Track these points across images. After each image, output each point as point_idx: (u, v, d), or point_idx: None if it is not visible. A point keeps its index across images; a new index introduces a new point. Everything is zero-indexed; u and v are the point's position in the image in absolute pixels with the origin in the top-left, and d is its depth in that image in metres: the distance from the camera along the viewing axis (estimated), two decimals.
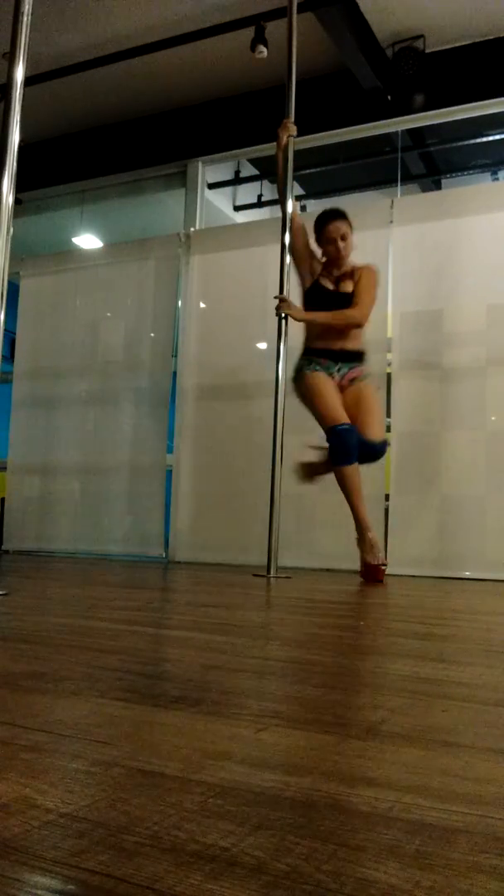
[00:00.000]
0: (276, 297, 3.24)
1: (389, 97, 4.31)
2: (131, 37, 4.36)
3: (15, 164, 1.96)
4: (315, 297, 3.26)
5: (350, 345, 3.21)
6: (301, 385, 3.19)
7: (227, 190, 5.69)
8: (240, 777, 0.52)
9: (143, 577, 2.81)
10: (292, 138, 3.35)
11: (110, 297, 4.79)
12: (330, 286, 3.25)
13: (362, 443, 3.02)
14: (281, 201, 3.38)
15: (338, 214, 3.23)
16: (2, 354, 5.27)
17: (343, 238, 3.20)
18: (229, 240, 4.46)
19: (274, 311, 3.26)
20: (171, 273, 4.52)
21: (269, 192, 5.84)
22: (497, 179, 5.31)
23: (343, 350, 3.19)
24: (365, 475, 3.70)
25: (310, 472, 3.27)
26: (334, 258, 3.23)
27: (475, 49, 4.20)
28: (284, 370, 3.21)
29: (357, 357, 3.23)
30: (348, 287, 3.22)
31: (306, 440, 3.74)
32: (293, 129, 3.35)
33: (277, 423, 3.15)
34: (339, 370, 3.19)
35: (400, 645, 1.28)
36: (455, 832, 0.44)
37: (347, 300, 3.19)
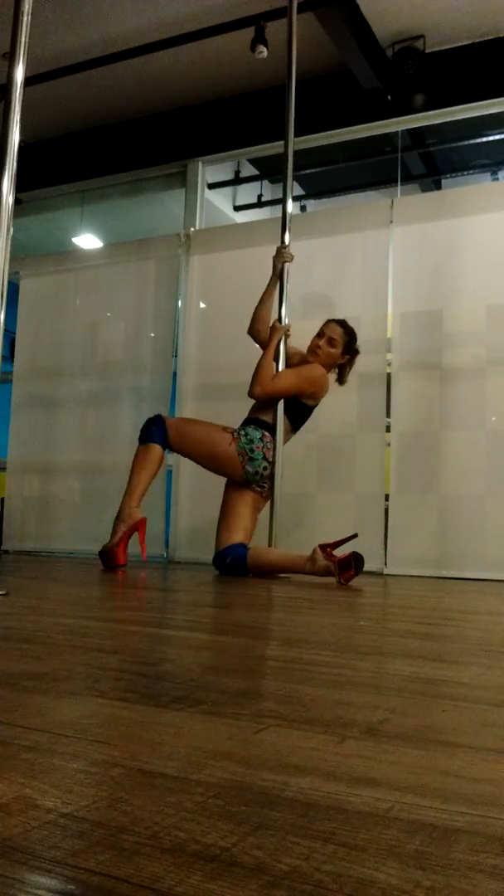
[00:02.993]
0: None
1: (389, 97, 4.31)
2: (131, 37, 4.36)
3: (15, 164, 1.96)
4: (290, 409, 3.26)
5: (252, 413, 3.25)
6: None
7: (227, 190, 5.70)
8: (240, 777, 0.52)
9: (143, 577, 2.81)
10: (287, 263, 3.34)
11: (110, 297, 4.79)
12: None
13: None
14: (279, 314, 3.35)
15: (344, 324, 3.29)
16: (2, 354, 5.27)
17: (330, 343, 3.22)
18: (229, 240, 4.46)
19: (272, 310, 3.27)
20: (171, 273, 4.52)
21: (270, 192, 5.85)
22: (497, 179, 5.31)
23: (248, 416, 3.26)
24: (365, 474, 3.70)
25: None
26: (311, 350, 3.25)
27: (475, 49, 4.20)
28: (284, 367, 3.20)
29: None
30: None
31: (308, 440, 3.74)
32: (289, 257, 3.33)
33: (278, 423, 3.15)
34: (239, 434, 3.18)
35: (400, 645, 1.28)
36: (455, 832, 0.44)
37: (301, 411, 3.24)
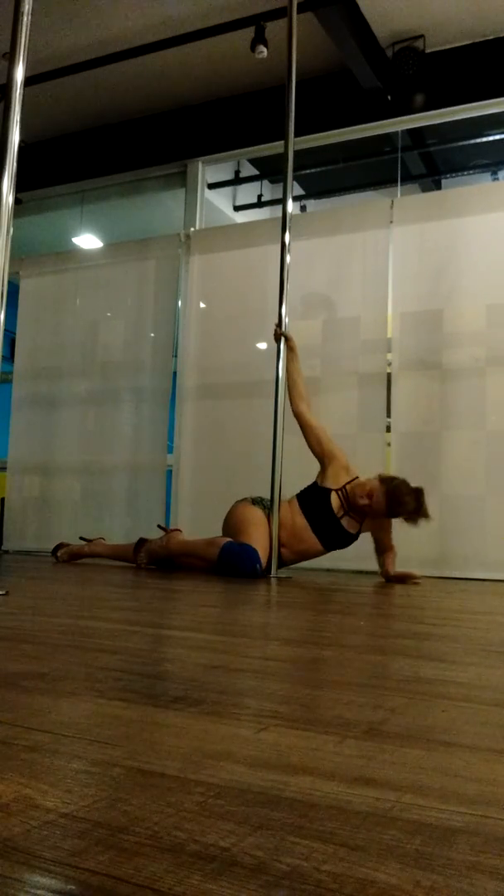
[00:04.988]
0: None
1: (389, 97, 4.31)
2: (131, 37, 4.36)
3: (15, 164, 1.96)
4: (313, 503, 3.12)
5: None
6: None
7: (227, 190, 5.70)
8: (240, 777, 0.52)
9: (143, 576, 2.81)
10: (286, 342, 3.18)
11: (110, 297, 4.79)
12: (337, 511, 3.08)
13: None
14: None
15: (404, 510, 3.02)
16: (2, 354, 5.28)
17: (369, 496, 2.99)
18: (229, 240, 4.46)
19: (272, 310, 3.26)
20: (171, 273, 4.52)
21: (270, 192, 5.84)
22: (497, 179, 5.31)
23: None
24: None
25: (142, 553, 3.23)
26: (358, 506, 3.04)
27: (475, 49, 4.20)
28: (284, 370, 3.21)
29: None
30: (352, 527, 3.11)
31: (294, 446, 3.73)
32: (281, 336, 3.15)
33: (277, 423, 3.15)
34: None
35: (400, 645, 1.28)
36: (455, 832, 0.44)
37: (342, 538, 3.12)
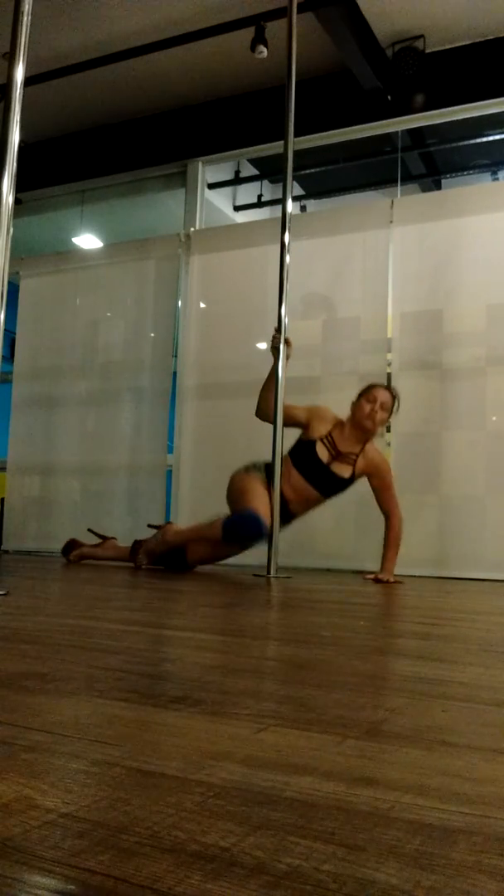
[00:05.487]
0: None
1: (389, 97, 4.31)
2: (131, 37, 4.36)
3: (15, 164, 1.96)
4: (302, 456, 3.19)
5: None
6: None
7: (227, 190, 5.69)
8: (240, 777, 0.52)
9: (143, 576, 2.81)
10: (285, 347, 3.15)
11: (110, 297, 4.79)
12: (324, 458, 3.15)
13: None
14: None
15: (391, 391, 3.23)
16: (2, 354, 5.27)
17: (383, 407, 3.12)
18: (229, 240, 4.46)
19: (272, 310, 3.25)
20: (171, 273, 4.52)
21: (270, 192, 5.84)
22: (497, 179, 5.31)
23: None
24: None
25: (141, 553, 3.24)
26: (359, 420, 3.12)
27: (475, 49, 4.20)
28: (284, 370, 3.20)
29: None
30: (343, 471, 3.15)
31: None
32: (280, 343, 3.10)
33: (277, 422, 3.15)
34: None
35: (400, 645, 1.28)
36: (455, 832, 0.44)
37: (335, 483, 3.16)
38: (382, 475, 3.17)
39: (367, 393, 3.19)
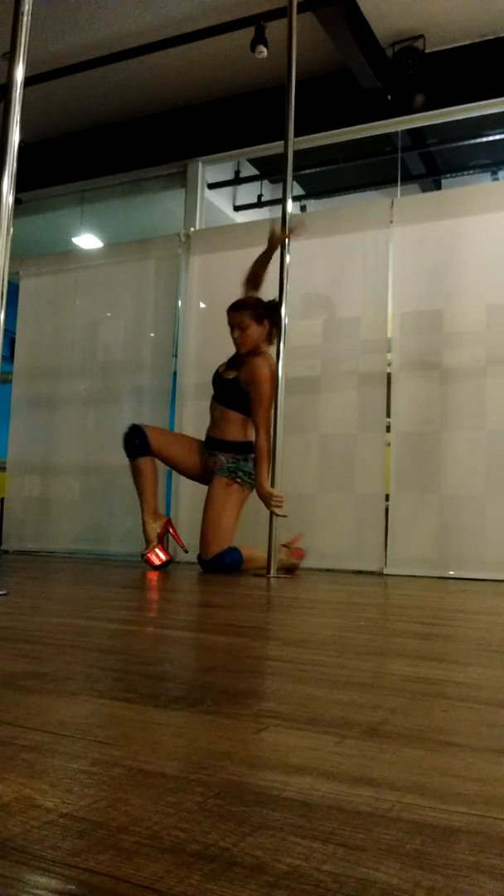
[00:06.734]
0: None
1: (389, 97, 4.31)
2: (131, 37, 4.36)
3: (15, 164, 1.96)
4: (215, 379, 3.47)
5: (218, 433, 3.40)
6: None
7: (227, 190, 5.70)
8: (240, 777, 0.52)
9: (143, 577, 2.81)
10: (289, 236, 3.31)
11: (110, 297, 4.79)
12: (221, 368, 3.46)
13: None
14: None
15: (236, 306, 3.33)
16: (2, 354, 5.27)
17: (240, 326, 3.28)
18: (229, 240, 4.45)
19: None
20: (171, 273, 4.52)
21: (270, 192, 5.85)
22: (497, 179, 5.31)
23: (210, 437, 3.43)
24: (365, 474, 3.70)
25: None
26: (236, 345, 3.35)
27: (475, 49, 4.20)
28: (284, 370, 3.21)
29: (219, 446, 3.36)
30: (229, 374, 3.38)
31: (308, 440, 3.74)
32: (282, 232, 3.28)
33: (278, 422, 3.15)
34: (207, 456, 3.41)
35: (400, 645, 1.28)
36: (455, 832, 0.44)
37: (221, 384, 3.39)
38: (256, 385, 3.24)
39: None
